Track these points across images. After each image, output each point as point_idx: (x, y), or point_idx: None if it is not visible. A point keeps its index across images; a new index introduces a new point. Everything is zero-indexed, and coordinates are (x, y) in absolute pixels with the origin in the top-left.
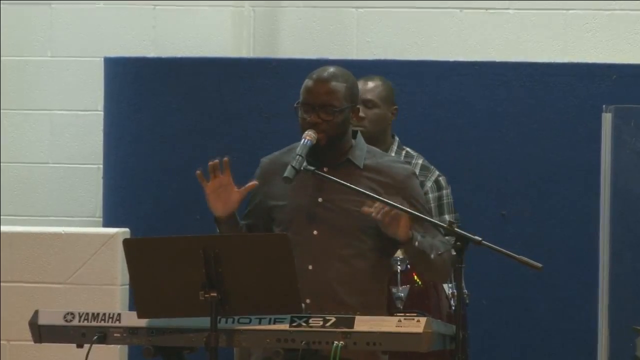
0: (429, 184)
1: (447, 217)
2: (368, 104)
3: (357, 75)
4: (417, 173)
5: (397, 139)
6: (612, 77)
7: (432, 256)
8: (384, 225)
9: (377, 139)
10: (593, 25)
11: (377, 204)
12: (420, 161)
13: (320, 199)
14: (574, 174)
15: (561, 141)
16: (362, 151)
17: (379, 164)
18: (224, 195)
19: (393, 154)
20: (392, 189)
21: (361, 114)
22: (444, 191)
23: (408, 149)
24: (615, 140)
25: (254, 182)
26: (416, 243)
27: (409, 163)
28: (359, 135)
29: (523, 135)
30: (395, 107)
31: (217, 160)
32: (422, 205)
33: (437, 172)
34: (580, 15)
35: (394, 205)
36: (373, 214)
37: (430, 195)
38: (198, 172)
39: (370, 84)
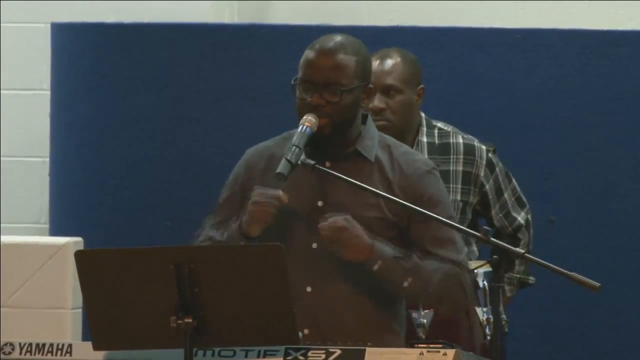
0: (482, 173)
1: (505, 196)
2: (389, 90)
3: (369, 45)
4: (462, 158)
5: (423, 115)
6: None
7: (406, 284)
8: (330, 243)
9: (404, 133)
10: None
11: (322, 224)
12: (460, 140)
13: (320, 203)
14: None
15: (624, 128)
16: (373, 140)
17: (393, 157)
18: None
19: (424, 138)
20: (407, 189)
21: (378, 103)
22: (497, 169)
23: (440, 125)
24: None
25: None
26: (375, 267)
27: (448, 143)
28: (370, 120)
29: (576, 121)
30: (421, 86)
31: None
32: (445, 207)
33: (484, 149)
34: None
35: (413, 209)
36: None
37: (487, 187)
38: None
39: (389, 63)
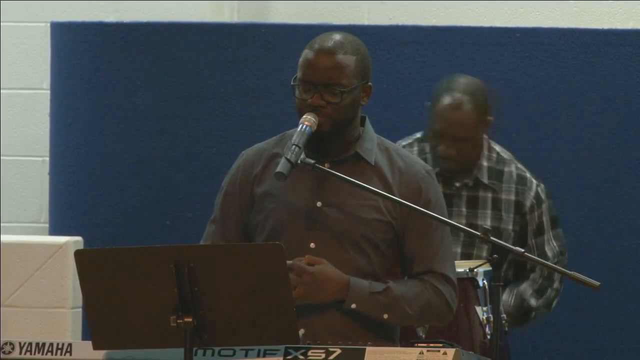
0: (528, 204)
1: (545, 237)
2: (456, 140)
3: (369, 45)
4: (514, 187)
5: (485, 137)
6: None
7: (385, 316)
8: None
9: (471, 164)
10: None
11: (294, 264)
12: (513, 169)
13: (319, 203)
14: None
15: (624, 128)
16: (372, 143)
17: (392, 160)
18: None
19: (485, 162)
20: (406, 192)
21: (444, 149)
22: (544, 205)
23: (498, 150)
24: None
25: None
26: (353, 306)
27: (502, 170)
28: (368, 122)
29: (577, 120)
30: (490, 118)
31: None
32: (442, 210)
33: (534, 183)
34: None
35: (413, 208)
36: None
37: (528, 217)
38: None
39: (459, 112)
